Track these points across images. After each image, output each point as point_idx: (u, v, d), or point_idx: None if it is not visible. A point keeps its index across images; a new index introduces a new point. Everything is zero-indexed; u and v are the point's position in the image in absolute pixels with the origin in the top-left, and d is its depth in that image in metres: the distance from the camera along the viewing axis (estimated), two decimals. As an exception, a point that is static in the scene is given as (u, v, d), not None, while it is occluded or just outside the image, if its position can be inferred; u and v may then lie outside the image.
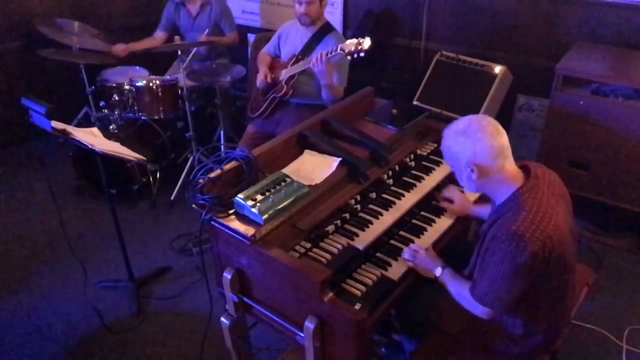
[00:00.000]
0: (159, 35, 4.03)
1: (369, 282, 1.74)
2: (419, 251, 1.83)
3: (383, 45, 4.03)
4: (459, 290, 1.70)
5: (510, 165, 1.59)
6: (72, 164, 3.51)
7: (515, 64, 3.51)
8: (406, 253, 1.84)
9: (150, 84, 3.45)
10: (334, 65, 2.79)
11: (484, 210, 2.01)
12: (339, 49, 2.53)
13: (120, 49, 3.88)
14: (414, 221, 2.06)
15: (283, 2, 4.37)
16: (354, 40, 2.47)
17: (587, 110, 2.90)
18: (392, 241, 1.95)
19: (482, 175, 1.57)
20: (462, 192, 2.10)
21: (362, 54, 2.48)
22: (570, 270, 1.66)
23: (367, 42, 2.44)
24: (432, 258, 1.82)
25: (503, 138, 1.57)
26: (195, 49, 3.64)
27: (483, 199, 2.08)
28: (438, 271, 1.77)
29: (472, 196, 2.12)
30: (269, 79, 3.09)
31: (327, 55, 2.63)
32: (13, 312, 2.73)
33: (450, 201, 2.10)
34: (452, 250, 2.00)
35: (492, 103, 3.38)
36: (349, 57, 2.53)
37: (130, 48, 3.93)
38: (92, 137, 2.44)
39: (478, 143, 1.54)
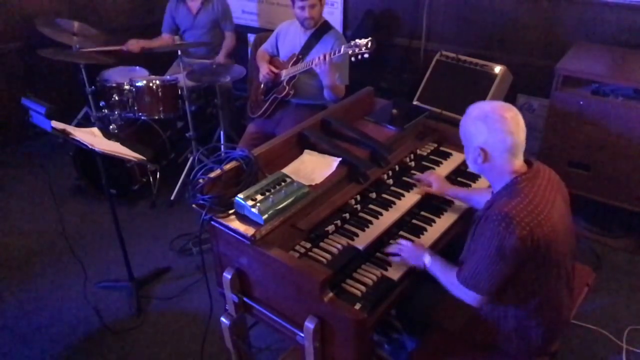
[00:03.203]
0: (166, 37, 4.04)
1: (369, 282, 1.74)
2: (403, 243, 1.85)
3: (383, 45, 4.02)
4: (450, 278, 1.69)
5: (518, 161, 1.63)
6: (72, 164, 3.51)
7: (515, 64, 3.50)
8: (390, 249, 1.85)
9: (150, 84, 3.45)
10: (336, 65, 2.80)
11: (462, 192, 2.11)
12: (342, 50, 2.53)
13: (133, 44, 3.87)
14: (414, 221, 2.06)
15: (282, 2, 4.37)
16: (358, 42, 2.47)
17: (587, 110, 2.90)
18: (392, 241, 1.94)
19: (486, 161, 1.62)
20: (438, 175, 2.19)
21: (365, 56, 2.48)
22: (563, 268, 1.66)
23: (371, 44, 2.45)
24: (418, 247, 1.82)
25: (519, 136, 1.60)
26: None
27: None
28: (427, 258, 1.76)
29: (484, 183, 2.19)
30: (274, 70, 3.09)
31: (330, 56, 2.64)
32: (13, 312, 2.73)
33: (429, 185, 2.15)
34: (452, 250, 1.99)
35: (492, 103, 3.37)
36: (352, 59, 2.53)
37: (144, 44, 3.92)
38: (92, 137, 2.44)
39: (493, 133, 1.58)
